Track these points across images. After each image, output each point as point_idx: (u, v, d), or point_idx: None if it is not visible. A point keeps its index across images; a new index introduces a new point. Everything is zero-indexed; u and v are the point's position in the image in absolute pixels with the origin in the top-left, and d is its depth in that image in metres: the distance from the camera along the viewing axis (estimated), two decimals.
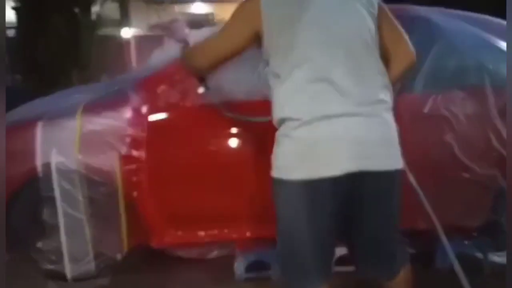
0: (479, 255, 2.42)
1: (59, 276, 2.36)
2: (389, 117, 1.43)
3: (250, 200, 2.33)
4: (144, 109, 2.33)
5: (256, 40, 1.46)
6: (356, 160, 1.34)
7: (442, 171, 2.32)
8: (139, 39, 12.11)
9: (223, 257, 2.50)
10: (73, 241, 2.31)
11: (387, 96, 1.43)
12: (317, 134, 1.34)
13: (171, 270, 2.53)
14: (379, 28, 1.47)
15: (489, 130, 2.33)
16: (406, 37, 1.55)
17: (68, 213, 2.27)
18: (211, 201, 2.35)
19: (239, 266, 2.37)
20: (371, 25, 1.45)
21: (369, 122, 1.38)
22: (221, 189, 2.35)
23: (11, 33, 8.76)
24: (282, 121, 1.40)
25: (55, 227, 2.30)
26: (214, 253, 2.53)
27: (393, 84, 1.50)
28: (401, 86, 2.10)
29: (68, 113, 2.32)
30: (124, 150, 2.26)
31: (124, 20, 10.49)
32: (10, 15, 8.12)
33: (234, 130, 2.33)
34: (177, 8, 12.38)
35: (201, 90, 1.98)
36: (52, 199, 2.26)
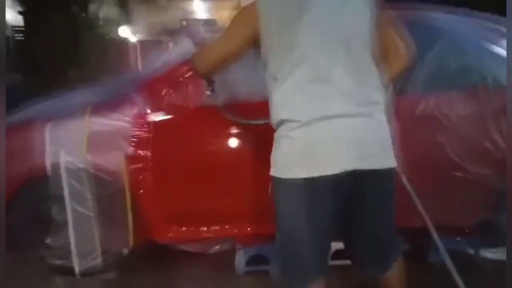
0: (471, 251, 2.45)
1: (67, 271, 2.40)
2: (383, 118, 1.44)
3: (250, 198, 2.34)
4: (149, 111, 2.35)
5: (256, 43, 1.46)
6: (355, 159, 1.35)
7: (441, 170, 2.33)
8: (140, 41, 12.16)
9: (224, 252, 2.53)
10: (81, 237, 2.34)
11: (380, 98, 1.44)
12: (317, 134, 1.35)
13: (175, 264, 2.57)
14: (378, 27, 1.45)
15: (487, 130, 2.32)
16: (407, 36, 1.54)
17: (76, 210, 2.30)
18: (213, 198, 2.37)
19: (240, 260, 2.42)
20: (369, 24, 1.43)
21: (367, 122, 1.39)
22: (223, 187, 2.37)
23: (11, 33, 8.81)
24: (281, 122, 1.40)
25: (64, 224, 2.33)
26: (216, 248, 2.55)
27: (392, 83, 1.51)
28: (399, 86, 2.09)
29: (76, 114, 2.35)
30: (130, 150, 2.28)
31: (125, 21, 10.49)
32: (11, 17, 8.14)
33: (235, 130, 2.35)
34: (179, 14, 12.38)
35: (207, 92, 2.05)
36: (60, 197, 2.29)
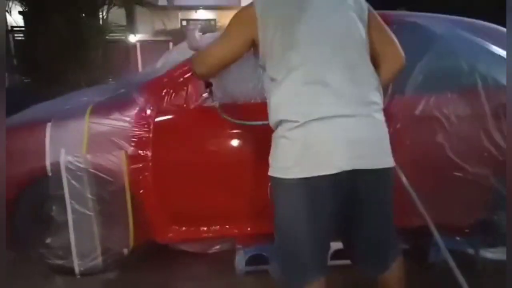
0: (471, 251, 2.45)
1: (67, 271, 2.40)
2: (381, 118, 1.46)
3: (250, 198, 2.36)
4: (149, 111, 2.36)
5: (253, 45, 1.48)
6: (353, 159, 1.36)
7: (437, 170, 2.32)
8: (140, 41, 12.19)
9: (224, 252, 2.54)
10: (81, 237, 2.34)
11: (378, 98, 1.46)
12: (314, 134, 1.36)
13: (175, 264, 2.57)
14: (369, 33, 1.50)
15: (483, 130, 2.32)
16: (396, 41, 1.57)
17: (76, 210, 2.30)
18: (213, 198, 2.38)
19: (240, 260, 2.42)
20: (362, 29, 1.47)
21: (364, 122, 1.40)
22: (223, 187, 2.38)
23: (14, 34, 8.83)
24: (279, 123, 1.42)
25: (64, 224, 2.33)
26: (216, 248, 2.56)
27: (383, 87, 1.52)
28: (391, 88, 2.11)
29: (76, 114, 2.36)
30: (130, 149, 2.29)
31: (129, 24, 10.51)
32: (12, 18, 8.16)
33: (234, 131, 2.35)
34: (180, 14, 12.42)
35: (205, 94, 2.07)
36: (61, 197, 2.29)
